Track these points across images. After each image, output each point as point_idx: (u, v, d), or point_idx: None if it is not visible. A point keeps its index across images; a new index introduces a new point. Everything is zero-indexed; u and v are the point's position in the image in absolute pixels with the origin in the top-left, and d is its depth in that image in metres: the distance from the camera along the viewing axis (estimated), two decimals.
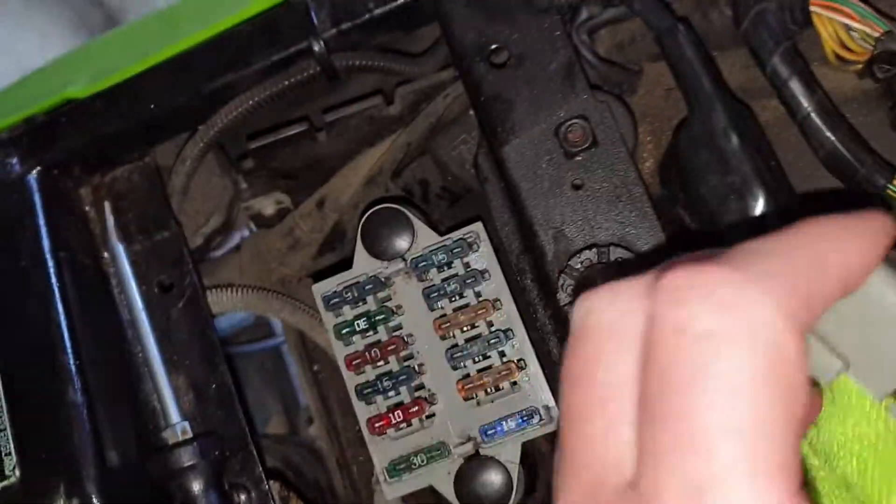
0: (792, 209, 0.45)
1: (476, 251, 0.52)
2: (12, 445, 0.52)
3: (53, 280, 0.55)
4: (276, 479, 0.58)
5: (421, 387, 0.52)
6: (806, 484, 0.26)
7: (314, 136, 0.65)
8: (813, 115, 0.45)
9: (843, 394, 0.32)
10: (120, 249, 0.58)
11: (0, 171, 0.58)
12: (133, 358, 0.58)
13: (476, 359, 0.50)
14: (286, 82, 0.55)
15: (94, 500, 0.50)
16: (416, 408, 0.50)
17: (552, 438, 0.52)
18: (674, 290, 0.22)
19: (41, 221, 0.56)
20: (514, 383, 0.50)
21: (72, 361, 0.53)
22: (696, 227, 0.48)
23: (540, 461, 0.57)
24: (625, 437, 0.23)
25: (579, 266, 0.46)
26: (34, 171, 0.58)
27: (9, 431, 0.52)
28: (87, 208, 0.61)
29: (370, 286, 0.52)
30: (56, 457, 0.51)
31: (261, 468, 0.55)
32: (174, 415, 0.55)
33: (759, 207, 0.44)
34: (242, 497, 0.55)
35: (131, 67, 0.57)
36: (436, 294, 0.51)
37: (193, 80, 0.56)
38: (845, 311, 0.27)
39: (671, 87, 0.55)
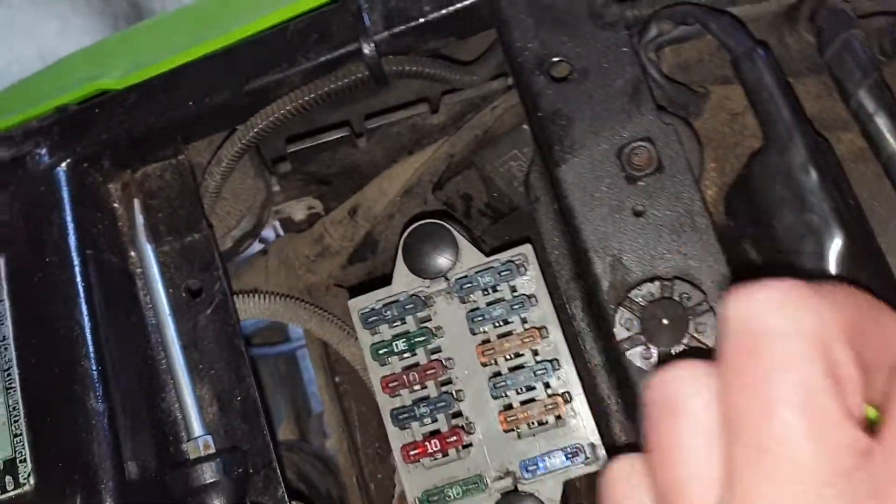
0: (870, 252, 0.42)
1: (524, 275, 0.49)
2: (28, 451, 0.49)
3: (79, 279, 0.52)
4: (298, 501, 0.55)
5: (458, 414, 0.49)
6: None
7: (354, 142, 0.62)
8: None
9: None
10: (148, 250, 0.56)
11: (29, 161, 0.55)
12: (156, 365, 0.56)
13: (519, 389, 0.48)
14: (333, 85, 0.53)
15: None
16: (454, 437, 0.48)
17: (593, 478, 0.49)
18: (744, 293, 0.24)
19: (69, 217, 0.54)
20: (559, 417, 0.47)
21: (94, 367, 0.50)
22: (763, 262, 0.46)
23: (573, 497, 0.54)
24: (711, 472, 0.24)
25: (640, 300, 0.43)
26: (63, 164, 0.55)
27: (25, 437, 0.50)
28: (115, 205, 0.58)
29: (411, 305, 0.50)
30: (73, 466, 0.48)
31: (283, 489, 0.53)
32: (197, 427, 0.53)
33: (836, 248, 0.41)
34: None
35: (170, 60, 0.55)
36: (480, 318, 0.49)
37: (236, 78, 0.54)
38: None
39: (737, 112, 0.53)
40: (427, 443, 0.48)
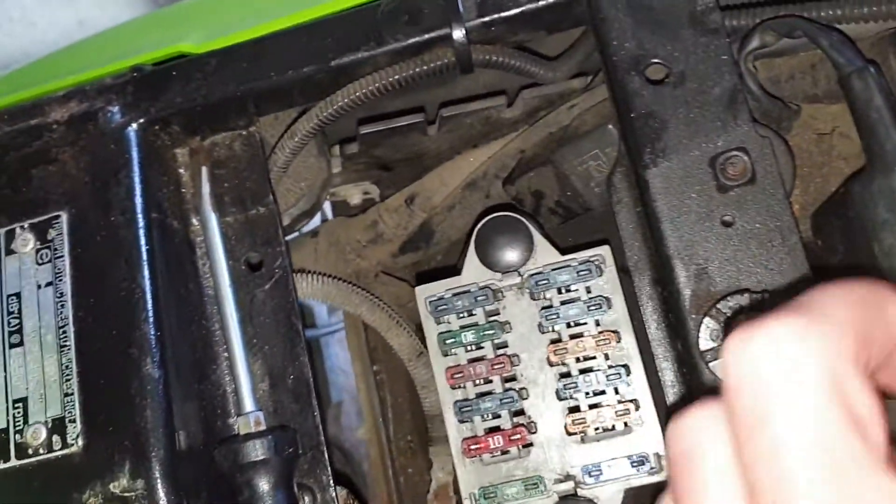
0: None
1: (600, 276, 0.48)
2: (78, 412, 0.48)
3: (143, 241, 0.51)
4: (343, 485, 0.54)
5: (521, 412, 0.48)
6: None
7: (424, 129, 0.61)
8: None
9: None
10: (213, 219, 0.55)
11: (100, 118, 0.55)
12: (209, 336, 0.55)
13: (589, 392, 0.47)
14: (418, 68, 0.52)
15: (160, 485, 0.46)
16: (517, 435, 0.47)
17: (655, 489, 0.48)
18: (739, 344, 0.23)
19: (137, 178, 0.53)
20: (626, 424, 0.46)
21: (153, 332, 0.49)
22: None
23: None
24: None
25: (728, 311, 0.42)
26: (135, 124, 0.55)
27: (76, 397, 0.49)
28: (181, 171, 0.58)
29: (483, 297, 0.49)
30: (124, 431, 0.47)
31: (330, 472, 0.52)
32: (249, 403, 0.51)
33: None
34: (307, 500, 0.52)
35: (254, 29, 0.54)
36: (554, 316, 0.48)
37: (322, 52, 0.53)
38: None
39: (824, 132, 0.52)
40: (490, 438, 0.47)
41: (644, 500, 0.47)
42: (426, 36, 0.51)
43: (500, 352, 0.49)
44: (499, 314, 0.49)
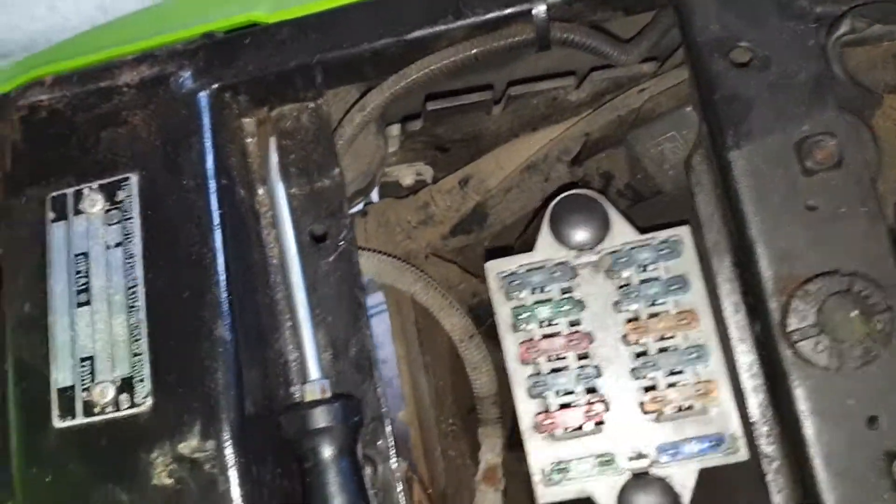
0: None
1: (678, 256, 0.48)
2: (147, 372, 0.48)
3: (214, 206, 0.51)
4: (404, 458, 0.54)
5: (593, 390, 0.48)
6: None
7: (489, 108, 0.61)
8: None
9: None
10: (280, 189, 0.55)
11: (172, 83, 0.54)
12: (274, 305, 0.55)
13: (667, 371, 0.47)
14: (496, 43, 0.52)
15: (228, 448, 0.46)
16: (594, 411, 0.46)
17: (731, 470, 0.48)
18: None
19: (208, 144, 0.53)
20: (704, 405, 0.46)
21: (224, 295, 0.49)
22: None
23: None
24: None
25: (818, 293, 0.42)
26: (206, 90, 0.54)
27: (146, 357, 0.48)
28: (248, 140, 0.57)
29: (558, 273, 0.49)
30: (194, 393, 0.47)
31: (392, 442, 0.51)
32: (314, 371, 0.51)
33: None
34: (368, 470, 0.52)
35: (328, 0, 0.54)
36: (633, 294, 0.47)
37: (397, 25, 0.53)
38: None
39: None
40: (563, 414, 0.47)
41: (718, 480, 0.47)
42: (507, 10, 0.51)
43: (575, 329, 0.48)
44: (572, 291, 0.49)
